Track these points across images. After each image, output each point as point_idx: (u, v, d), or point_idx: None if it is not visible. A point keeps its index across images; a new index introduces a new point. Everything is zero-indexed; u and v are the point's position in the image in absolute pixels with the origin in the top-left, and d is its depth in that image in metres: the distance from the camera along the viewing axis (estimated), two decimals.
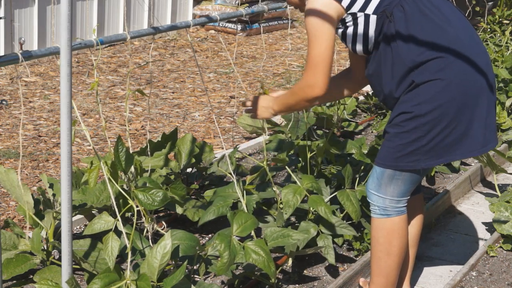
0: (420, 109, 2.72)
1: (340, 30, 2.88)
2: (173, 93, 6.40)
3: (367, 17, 2.79)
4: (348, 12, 2.81)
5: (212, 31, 8.75)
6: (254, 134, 5.25)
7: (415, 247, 3.19)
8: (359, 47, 2.88)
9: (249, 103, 3.18)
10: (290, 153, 4.09)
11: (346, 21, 2.83)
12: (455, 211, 4.28)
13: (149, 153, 3.89)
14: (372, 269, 3.01)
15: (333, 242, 3.58)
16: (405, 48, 2.73)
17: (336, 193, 3.48)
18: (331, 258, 3.30)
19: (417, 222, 3.15)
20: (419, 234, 3.18)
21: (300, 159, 3.88)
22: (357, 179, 3.65)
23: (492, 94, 2.83)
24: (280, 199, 3.36)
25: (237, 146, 4.15)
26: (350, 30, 2.85)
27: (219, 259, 2.91)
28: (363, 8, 2.79)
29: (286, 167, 3.76)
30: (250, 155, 4.92)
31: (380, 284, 3.00)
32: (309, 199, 3.32)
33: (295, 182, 3.47)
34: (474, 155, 2.85)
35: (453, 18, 2.82)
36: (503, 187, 4.54)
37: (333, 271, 3.45)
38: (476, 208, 4.33)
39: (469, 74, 2.75)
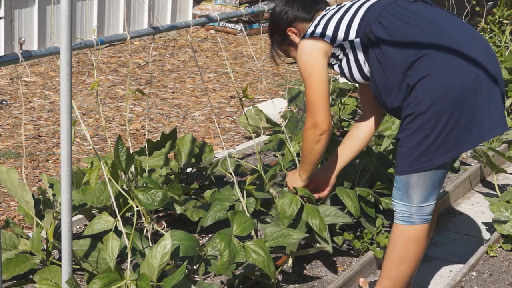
0: (420, 107, 2.74)
1: (336, 66, 3.01)
2: (173, 93, 6.40)
3: (351, 42, 2.91)
4: (335, 45, 2.94)
5: (212, 31, 8.75)
6: (255, 134, 5.24)
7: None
8: (356, 75, 2.99)
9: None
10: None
11: (337, 54, 2.97)
12: (455, 211, 4.28)
13: (147, 152, 3.88)
14: (383, 270, 3.00)
15: (333, 241, 3.58)
16: (392, 56, 2.81)
17: (334, 191, 3.47)
18: (329, 247, 3.25)
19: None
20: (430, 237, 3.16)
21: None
22: (356, 179, 3.65)
23: (493, 82, 2.80)
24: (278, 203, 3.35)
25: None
26: (344, 62, 2.98)
27: (219, 258, 2.91)
28: (346, 37, 2.92)
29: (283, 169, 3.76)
30: (249, 155, 4.92)
31: (386, 287, 3.00)
32: (305, 209, 3.29)
33: None
34: (483, 141, 2.85)
35: (435, 17, 2.85)
36: (503, 187, 4.54)
37: (333, 271, 3.45)
38: (476, 208, 4.33)
39: (461, 65, 2.75)
